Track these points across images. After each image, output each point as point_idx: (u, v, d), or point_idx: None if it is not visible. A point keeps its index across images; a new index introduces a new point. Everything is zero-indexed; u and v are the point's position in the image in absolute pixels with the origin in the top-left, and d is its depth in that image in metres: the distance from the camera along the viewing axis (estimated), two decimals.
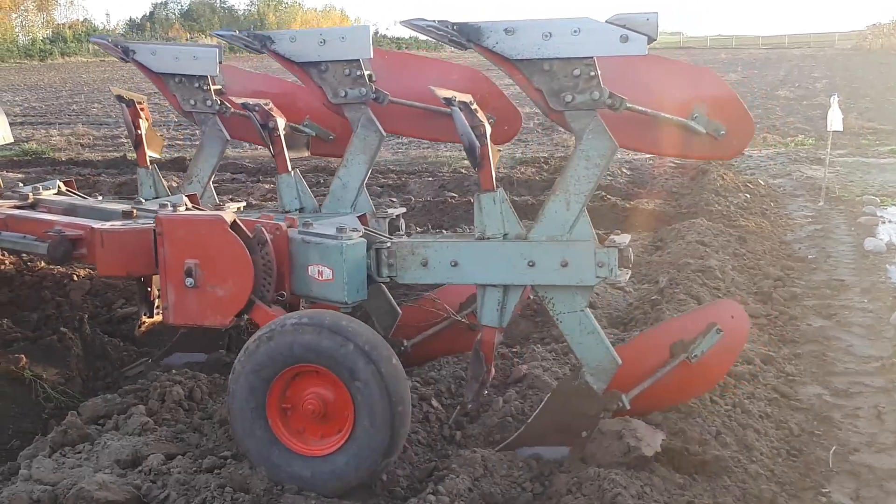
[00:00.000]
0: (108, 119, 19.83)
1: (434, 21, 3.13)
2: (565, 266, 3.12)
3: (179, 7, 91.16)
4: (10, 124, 6.05)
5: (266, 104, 3.97)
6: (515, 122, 4.05)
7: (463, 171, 10.76)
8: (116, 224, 3.70)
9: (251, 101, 3.97)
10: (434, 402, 3.72)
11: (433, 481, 2.99)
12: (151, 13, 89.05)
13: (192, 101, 4.34)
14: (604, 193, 8.68)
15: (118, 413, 3.57)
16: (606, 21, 2.92)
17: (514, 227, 3.22)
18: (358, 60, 3.77)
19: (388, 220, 3.83)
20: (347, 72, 3.79)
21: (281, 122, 3.97)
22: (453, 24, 3.09)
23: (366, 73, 3.80)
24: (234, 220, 3.26)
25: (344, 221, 3.43)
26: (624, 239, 3.16)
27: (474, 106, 3.14)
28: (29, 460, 3.17)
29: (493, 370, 3.41)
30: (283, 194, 4.06)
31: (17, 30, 69.79)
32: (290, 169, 4.01)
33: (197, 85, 4.29)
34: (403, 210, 4.02)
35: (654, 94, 3.33)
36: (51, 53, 61.52)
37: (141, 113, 4.55)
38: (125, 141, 14.44)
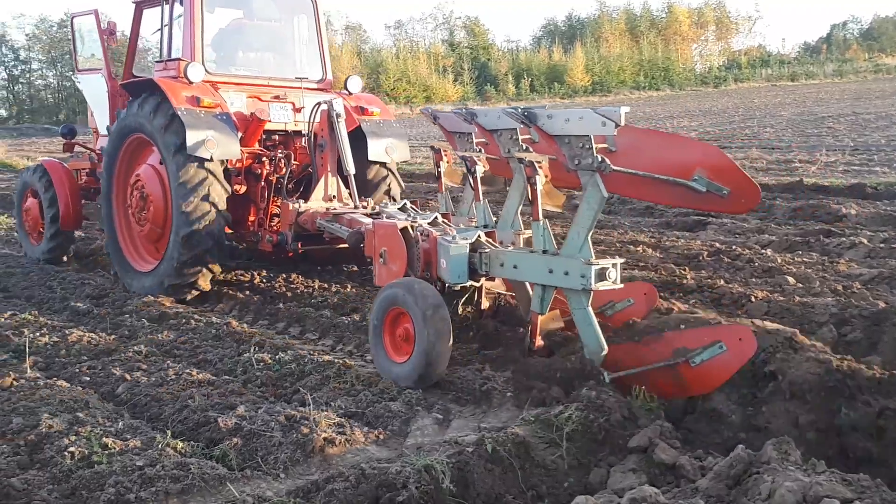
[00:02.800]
0: (781, 143, 19.36)
1: (517, 109, 4.88)
2: (566, 275, 4.57)
3: (860, 26, 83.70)
4: None
5: (478, 155, 6.01)
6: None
7: None
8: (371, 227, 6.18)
9: (467, 155, 6.06)
10: None
11: None
12: (829, 34, 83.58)
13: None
14: None
15: None
16: (596, 112, 4.33)
17: (550, 246, 4.76)
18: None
19: (522, 237, 5.53)
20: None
21: (480, 168, 5.97)
22: (523, 110, 4.79)
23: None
24: (405, 227, 5.47)
25: (468, 234, 5.33)
26: (606, 262, 4.45)
27: (539, 165, 4.78)
28: None
29: (538, 341, 4.95)
30: (477, 213, 6.08)
31: (695, 59, 73.88)
32: (481, 199, 6.01)
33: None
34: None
35: (662, 160, 4.52)
36: (724, 80, 62.72)
37: (444, 157, 6.93)
38: (799, 165, 15.05)
